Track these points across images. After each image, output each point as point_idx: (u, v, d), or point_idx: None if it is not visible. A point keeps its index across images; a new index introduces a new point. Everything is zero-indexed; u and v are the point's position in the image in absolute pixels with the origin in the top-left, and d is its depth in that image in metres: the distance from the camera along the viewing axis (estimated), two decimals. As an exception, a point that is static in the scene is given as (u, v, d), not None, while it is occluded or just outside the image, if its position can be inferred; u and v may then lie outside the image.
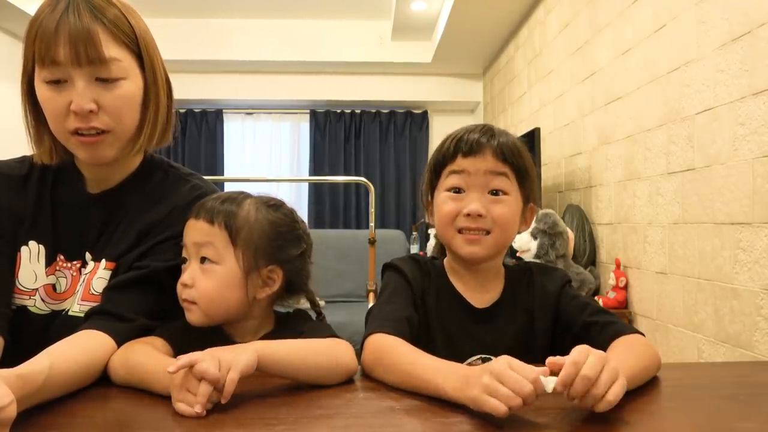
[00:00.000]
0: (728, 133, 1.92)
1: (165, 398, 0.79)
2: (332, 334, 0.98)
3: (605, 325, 1.00)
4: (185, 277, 0.97)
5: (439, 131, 6.23)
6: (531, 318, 1.09)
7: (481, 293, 1.10)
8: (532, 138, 3.40)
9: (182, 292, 0.98)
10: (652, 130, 2.42)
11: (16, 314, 1.02)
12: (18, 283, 1.03)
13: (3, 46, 4.56)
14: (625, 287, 2.65)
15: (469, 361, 1.01)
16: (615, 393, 0.73)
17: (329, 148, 6.25)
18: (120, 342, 0.93)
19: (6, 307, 1.00)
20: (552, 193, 3.70)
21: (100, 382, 0.89)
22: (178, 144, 6.10)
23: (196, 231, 0.98)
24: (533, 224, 2.78)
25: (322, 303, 1.13)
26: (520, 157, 1.06)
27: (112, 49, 0.95)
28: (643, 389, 0.88)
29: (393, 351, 0.91)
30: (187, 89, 5.62)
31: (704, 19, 2.06)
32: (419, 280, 1.09)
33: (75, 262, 1.05)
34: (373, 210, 3.93)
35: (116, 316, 0.95)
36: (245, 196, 1.02)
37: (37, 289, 1.03)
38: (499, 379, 0.71)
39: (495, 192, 1.04)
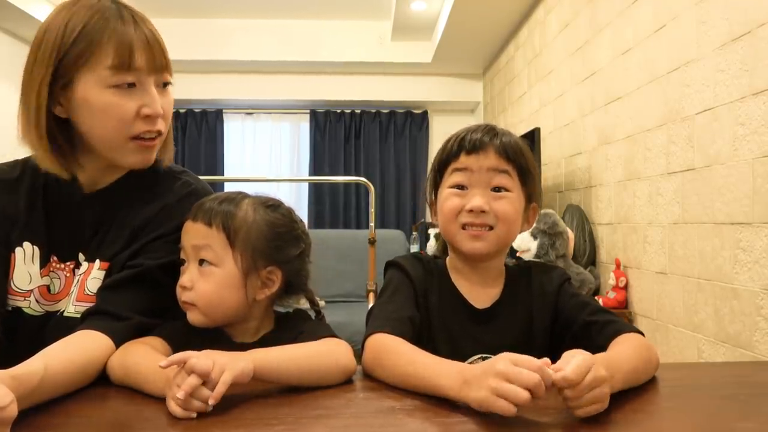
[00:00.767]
0: (728, 133, 1.92)
1: (163, 399, 0.79)
2: (331, 334, 0.98)
3: (605, 325, 1.00)
4: (184, 279, 0.97)
5: (439, 131, 6.23)
6: (530, 317, 1.09)
7: (482, 293, 1.10)
8: (532, 138, 3.40)
9: (181, 295, 0.98)
10: (652, 130, 2.42)
11: (12, 316, 1.02)
12: (13, 284, 1.03)
13: (3, 46, 4.56)
14: (625, 287, 2.65)
15: (470, 360, 1.01)
16: (594, 409, 0.74)
17: (329, 148, 6.25)
18: (117, 341, 0.93)
19: None
20: (552, 193, 3.70)
21: (98, 383, 0.89)
22: (178, 144, 6.10)
23: (194, 233, 0.97)
24: (533, 224, 2.78)
25: (322, 303, 1.13)
26: (522, 156, 1.07)
27: None
28: (643, 389, 0.88)
29: (393, 351, 0.91)
30: (187, 89, 5.63)
31: (704, 19, 2.06)
32: (422, 278, 1.09)
33: (68, 263, 1.05)
34: (373, 210, 3.93)
35: (112, 316, 0.95)
36: (243, 196, 1.02)
37: (31, 291, 1.03)
38: (505, 377, 0.71)
39: (497, 189, 1.05)
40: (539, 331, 1.08)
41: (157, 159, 1.12)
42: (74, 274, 1.04)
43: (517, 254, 2.96)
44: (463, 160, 1.06)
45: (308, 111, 6.30)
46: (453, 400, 0.79)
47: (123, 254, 1.02)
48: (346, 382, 0.92)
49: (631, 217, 2.62)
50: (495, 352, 0.78)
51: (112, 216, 1.06)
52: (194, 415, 0.75)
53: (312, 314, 1.09)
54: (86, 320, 0.95)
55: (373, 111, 6.30)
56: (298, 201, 6.16)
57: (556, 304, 1.08)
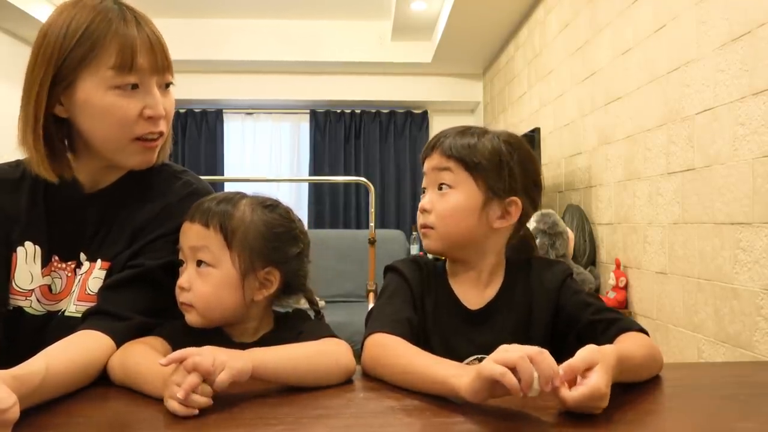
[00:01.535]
0: (728, 133, 1.92)
1: (163, 399, 0.79)
2: (331, 334, 0.98)
3: (610, 324, 0.99)
4: (182, 280, 0.97)
5: (439, 131, 6.21)
6: (528, 313, 1.08)
7: (477, 293, 1.10)
8: (532, 138, 3.40)
9: (179, 295, 0.97)
10: (652, 130, 2.42)
11: (13, 315, 1.02)
12: (14, 284, 1.03)
13: (3, 46, 4.56)
14: (625, 287, 2.65)
15: (466, 362, 1.02)
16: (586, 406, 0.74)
17: (329, 148, 6.25)
18: (118, 341, 0.93)
19: None
20: (552, 193, 3.70)
21: (99, 383, 0.89)
22: (177, 144, 6.10)
23: (192, 234, 0.97)
24: (533, 224, 2.78)
25: (321, 303, 1.13)
26: (471, 151, 1.05)
27: None
28: (643, 389, 0.88)
29: (391, 350, 0.92)
30: (187, 89, 5.62)
31: (704, 19, 2.06)
32: (419, 282, 1.10)
33: (69, 263, 1.05)
34: (373, 210, 3.93)
35: (113, 315, 0.95)
36: (241, 196, 1.01)
37: (33, 290, 1.03)
38: (494, 359, 0.73)
39: (440, 187, 1.07)
40: (538, 327, 1.07)
41: None
42: (75, 274, 1.04)
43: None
44: (425, 164, 1.11)
45: (308, 111, 6.30)
46: (451, 389, 0.78)
47: (124, 254, 1.02)
48: (346, 382, 0.92)
49: (631, 217, 2.62)
50: (490, 353, 0.78)
51: (113, 216, 1.06)
52: (196, 411, 0.75)
53: (311, 314, 1.09)
54: (87, 320, 0.95)
55: (373, 111, 6.30)
56: (298, 201, 6.16)
57: (558, 300, 1.07)
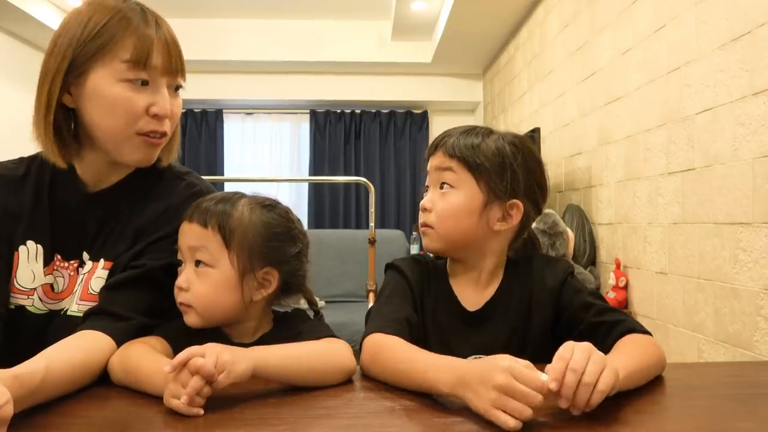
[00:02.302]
0: (728, 133, 1.92)
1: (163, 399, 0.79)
2: (330, 334, 0.98)
3: (612, 325, 0.99)
4: (180, 280, 0.97)
5: (439, 131, 6.09)
6: (528, 311, 1.08)
7: (476, 293, 1.09)
8: (532, 138, 3.40)
9: (178, 296, 0.98)
10: (652, 130, 2.42)
11: (15, 314, 1.02)
12: (16, 282, 1.03)
13: (3, 46, 4.56)
14: (625, 287, 2.65)
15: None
16: (605, 382, 0.73)
17: (329, 148, 6.25)
18: (119, 341, 0.93)
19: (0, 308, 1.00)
20: (552, 193, 3.70)
21: (99, 383, 0.89)
22: (178, 144, 6.10)
23: (190, 234, 0.97)
24: (533, 224, 2.78)
25: (321, 303, 1.13)
26: (475, 151, 1.04)
27: None
28: (643, 389, 0.88)
29: (390, 349, 0.92)
30: (187, 89, 5.60)
31: (704, 19, 2.06)
32: (419, 281, 1.09)
33: (72, 262, 1.05)
34: (373, 210, 3.93)
35: (114, 316, 0.95)
36: (239, 196, 1.01)
37: (35, 289, 1.03)
38: (508, 392, 0.71)
39: (442, 186, 1.07)
40: (537, 325, 1.07)
41: (158, 158, 1.12)
42: (78, 273, 1.05)
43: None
44: (428, 162, 1.10)
45: (308, 111, 6.29)
46: (445, 395, 0.78)
47: (126, 254, 1.03)
48: (346, 382, 0.92)
49: (631, 217, 2.62)
50: (489, 352, 0.78)
51: (116, 215, 1.06)
52: (201, 412, 0.75)
53: (311, 314, 1.08)
54: (88, 320, 0.95)
55: (373, 111, 6.30)
56: (297, 201, 6.17)
57: (560, 298, 1.07)
